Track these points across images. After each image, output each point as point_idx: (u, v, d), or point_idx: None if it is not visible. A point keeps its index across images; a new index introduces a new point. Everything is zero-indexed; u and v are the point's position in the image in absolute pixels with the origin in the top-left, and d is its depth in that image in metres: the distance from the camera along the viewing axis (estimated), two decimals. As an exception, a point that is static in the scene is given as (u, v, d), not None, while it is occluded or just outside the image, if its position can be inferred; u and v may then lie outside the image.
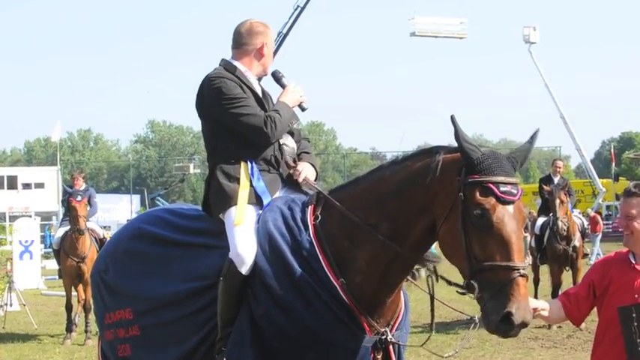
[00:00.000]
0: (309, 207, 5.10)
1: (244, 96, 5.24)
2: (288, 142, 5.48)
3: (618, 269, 5.18)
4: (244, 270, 4.94)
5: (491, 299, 4.33)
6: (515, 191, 4.48)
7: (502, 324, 4.31)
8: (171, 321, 5.26)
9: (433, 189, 4.65)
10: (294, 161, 5.43)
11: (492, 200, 4.41)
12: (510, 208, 4.46)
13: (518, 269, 4.36)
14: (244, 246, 4.99)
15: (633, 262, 5.16)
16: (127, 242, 5.66)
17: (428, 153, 4.81)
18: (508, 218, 4.42)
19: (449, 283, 4.73)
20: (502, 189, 4.44)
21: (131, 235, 5.70)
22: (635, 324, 4.98)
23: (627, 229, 5.15)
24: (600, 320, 5.28)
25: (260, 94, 5.40)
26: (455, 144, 4.64)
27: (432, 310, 5.03)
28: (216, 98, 5.22)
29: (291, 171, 5.37)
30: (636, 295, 5.03)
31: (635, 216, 5.11)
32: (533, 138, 4.76)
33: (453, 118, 4.58)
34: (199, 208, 5.56)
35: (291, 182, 5.41)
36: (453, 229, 4.50)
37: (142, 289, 5.41)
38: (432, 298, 4.97)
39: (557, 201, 14.63)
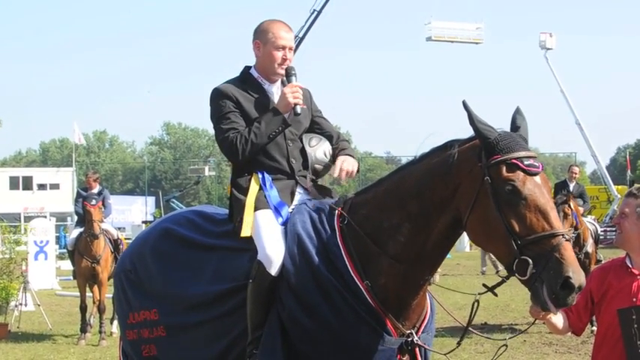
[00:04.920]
0: (336, 210, 5.09)
1: (230, 111, 5.25)
2: (319, 149, 5.45)
3: (616, 275, 5.24)
4: (273, 271, 4.92)
5: (544, 271, 4.24)
6: (537, 164, 4.47)
7: (561, 291, 4.21)
8: (199, 323, 5.24)
9: (454, 181, 4.62)
10: (332, 160, 5.41)
11: (520, 174, 4.40)
12: (538, 179, 4.45)
13: (562, 234, 4.31)
14: (272, 247, 4.98)
15: (630, 266, 5.21)
16: (155, 242, 5.64)
17: (443, 148, 4.78)
18: (539, 189, 4.41)
19: (498, 284, 4.66)
20: (526, 162, 4.43)
21: (159, 235, 5.67)
22: (636, 326, 5.00)
23: (619, 228, 5.24)
24: (599, 326, 5.33)
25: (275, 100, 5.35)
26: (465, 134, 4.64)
27: (465, 329, 4.92)
28: (210, 115, 5.35)
29: (333, 173, 5.36)
30: (634, 299, 5.08)
31: (627, 215, 5.19)
32: (520, 114, 4.71)
33: (464, 103, 4.54)
34: (226, 210, 5.56)
35: (317, 187, 5.40)
36: (486, 214, 4.45)
37: (169, 289, 5.39)
38: (471, 318, 4.84)
39: (561, 214, 14.63)
